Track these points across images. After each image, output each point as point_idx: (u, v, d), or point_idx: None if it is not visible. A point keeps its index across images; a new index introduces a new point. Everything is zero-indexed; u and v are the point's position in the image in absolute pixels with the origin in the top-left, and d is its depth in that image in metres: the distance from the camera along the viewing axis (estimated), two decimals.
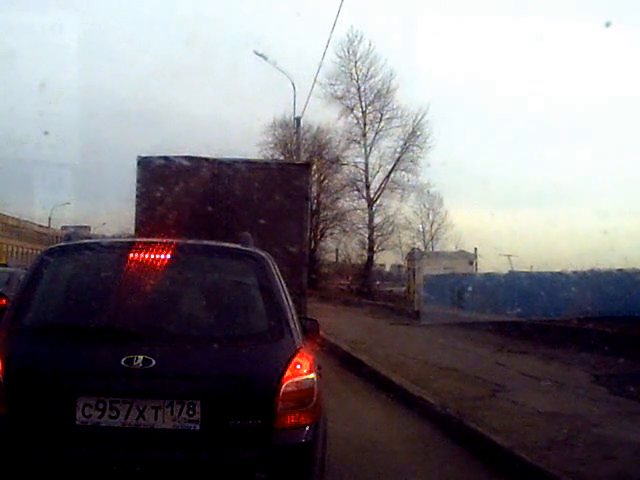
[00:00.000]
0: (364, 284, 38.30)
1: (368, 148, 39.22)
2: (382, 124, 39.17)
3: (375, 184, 39.51)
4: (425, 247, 41.55)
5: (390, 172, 39.24)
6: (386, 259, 45.89)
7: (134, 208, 8.57)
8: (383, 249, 41.07)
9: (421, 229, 43.09)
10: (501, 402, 7.38)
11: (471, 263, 31.43)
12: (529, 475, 5.02)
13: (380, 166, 39.54)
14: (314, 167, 36.38)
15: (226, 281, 4.00)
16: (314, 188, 36.79)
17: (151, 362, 3.28)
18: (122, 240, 5.44)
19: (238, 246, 4.03)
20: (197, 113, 53.01)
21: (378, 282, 44.06)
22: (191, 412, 3.26)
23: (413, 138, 38.82)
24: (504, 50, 57.05)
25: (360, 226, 40.59)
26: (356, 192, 40.37)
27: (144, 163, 8.51)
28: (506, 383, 8.50)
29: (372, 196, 39.40)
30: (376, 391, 8.76)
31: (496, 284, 20.18)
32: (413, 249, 37.59)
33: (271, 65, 25.45)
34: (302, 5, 61.03)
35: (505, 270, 24.12)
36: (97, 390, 3.28)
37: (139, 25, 59.35)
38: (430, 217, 43.15)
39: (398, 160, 39.10)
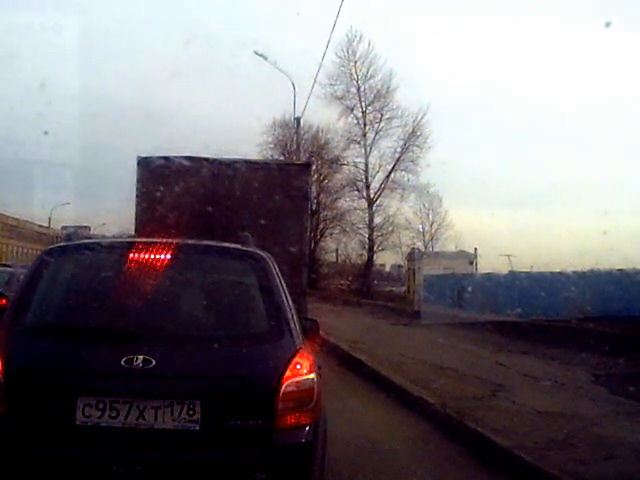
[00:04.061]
0: (364, 284, 38.26)
1: (368, 148, 39.24)
2: (382, 124, 39.21)
3: (375, 184, 39.55)
4: (425, 247, 41.51)
5: (390, 172, 39.26)
6: (386, 259, 45.95)
7: (134, 208, 8.56)
8: (383, 249, 41.12)
9: (421, 229, 43.06)
10: (501, 402, 7.37)
11: (471, 263, 31.45)
12: (529, 475, 5.02)
13: (380, 166, 39.58)
14: (314, 167, 36.42)
15: (226, 281, 4.01)
16: (314, 188, 36.83)
17: (151, 362, 3.28)
18: (122, 240, 5.43)
19: (238, 246, 4.04)
20: (197, 113, 52.78)
21: (376, 282, 43.98)
22: (191, 412, 3.26)
23: (413, 138, 38.84)
24: (504, 50, 56.97)
25: (360, 226, 40.63)
26: (356, 192, 40.40)
27: (144, 163, 8.50)
28: (506, 383, 8.49)
29: (372, 196, 39.40)
30: (376, 391, 8.75)
31: (496, 284, 20.20)
32: (413, 249, 37.59)
33: (271, 65, 25.42)
34: (302, 5, 61.08)
35: (505, 270, 24.19)
36: (97, 390, 3.28)
37: (139, 25, 59.39)
38: (430, 217, 43.10)
39: (398, 160, 39.10)
